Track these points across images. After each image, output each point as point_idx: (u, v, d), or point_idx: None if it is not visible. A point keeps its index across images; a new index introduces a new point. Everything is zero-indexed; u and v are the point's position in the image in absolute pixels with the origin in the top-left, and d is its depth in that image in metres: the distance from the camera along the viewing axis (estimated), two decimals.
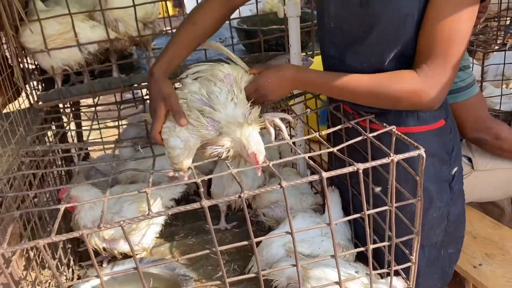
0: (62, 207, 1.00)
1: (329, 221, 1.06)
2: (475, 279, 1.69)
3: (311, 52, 1.86)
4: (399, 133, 1.13)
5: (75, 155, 2.00)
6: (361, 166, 1.01)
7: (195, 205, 0.97)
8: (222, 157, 1.17)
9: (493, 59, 2.93)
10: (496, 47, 2.80)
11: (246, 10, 2.15)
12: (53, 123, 1.94)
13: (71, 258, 1.68)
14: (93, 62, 1.69)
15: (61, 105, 1.89)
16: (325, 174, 0.99)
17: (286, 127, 1.31)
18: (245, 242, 1.05)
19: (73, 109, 2.06)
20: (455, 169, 1.37)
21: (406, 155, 1.03)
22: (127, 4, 1.59)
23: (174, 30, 2.21)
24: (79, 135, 2.34)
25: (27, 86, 1.63)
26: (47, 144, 1.50)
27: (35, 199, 1.53)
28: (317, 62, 2.76)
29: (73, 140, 2.36)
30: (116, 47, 1.73)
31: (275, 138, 1.30)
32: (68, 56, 1.60)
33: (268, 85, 1.22)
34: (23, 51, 1.61)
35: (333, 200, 1.56)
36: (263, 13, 2.05)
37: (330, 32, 1.30)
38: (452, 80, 1.16)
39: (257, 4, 1.81)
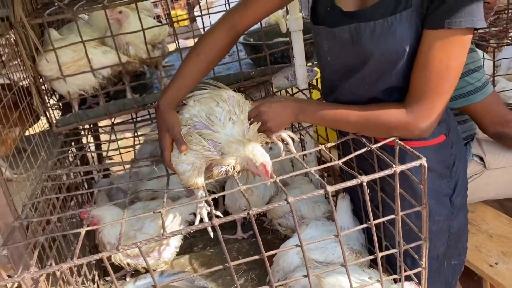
0: (83, 231, 1.06)
1: (337, 231, 1.09)
2: (491, 278, 1.70)
3: (316, 62, 1.89)
4: (401, 143, 1.17)
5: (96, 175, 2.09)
6: (364, 179, 1.04)
7: (206, 224, 1.02)
8: (229, 174, 1.22)
9: (505, 53, 2.91)
10: (508, 41, 2.79)
11: None
12: (72, 144, 2.03)
13: (96, 273, 1.76)
14: (107, 85, 1.76)
15: (81, 127, 1.97)
16: (330, 188, 1.03)
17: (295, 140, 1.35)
18: (256, 257, 1.10)
19: (92, 130, 2.14)
20: (457, 183, 1.37)
21: (408, 165, 1.06)
22: (137, 28, 1.66)
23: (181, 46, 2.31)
24: (99, 154, 2.43)
25: (46, 112, 1.71)
26: (68, 167, 1.57)
27: (59, 221, 1.60)
28: None
29: (93, 159, 2.45)
30: (128, 69, 1.80)
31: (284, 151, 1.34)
32: (83, 82, 1.68)
33: (269, 110, 1.26)
34: (41, 79, 1.69)
35: (344, 206, 1.59)
36: (268, 25, 2.09)
37: (328, 64, 1.34)
38: (441, 112, 1.18)
39: None
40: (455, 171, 1.35)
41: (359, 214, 1.60)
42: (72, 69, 1.65)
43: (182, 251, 1.87)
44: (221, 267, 1.12)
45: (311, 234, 1.59)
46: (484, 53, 2.53)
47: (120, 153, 2.32)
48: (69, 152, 1.75)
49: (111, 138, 1.90)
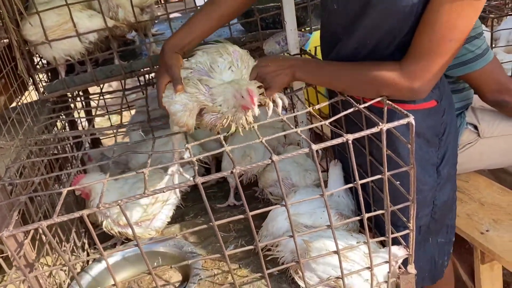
0: (64, 190, 1.05)
1: (322, 192, 1.08)
2: (482, 245, 1.69)
3: (309, 28, 1.85)
4: (389, 102, 1.14)
5: (86, 143, 2.07)
6: (350, 137, 1.02)
7: (189, 183, 1.01)
8: (220, 125, 1.21)
9: (504, 24, 2.86)
10: (508, 11, 2.74)
11: None
12: (62, 112, 2.00)
13: (85, 242, 1.75)
14: (94, 51, 1.73)
15: (70, 95, 1.94)
16: (315, 147, 1.01)
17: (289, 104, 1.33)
18: (241, 216, 1.09)
19: (82, 98, 2.11)
20: (446, 153, 1.33)
21: (395, 123, 1.04)
22: None
23: (172, 16, 2.26)
24: (89, 121, 2.40)
25: (32, 78, 1.68)
26: (54, 133, 1.54)
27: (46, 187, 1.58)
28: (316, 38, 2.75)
29: (83, 128, 2.43)
30: (116, 33, 1.76)
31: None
32: (69, 47, 1.65)
33: (267, 69, 1.24)
34: (26, 44, 1.66)
35: (335, 173, 1.58)
36: None
37: (333, 13, 1.29)
38: (438, 76, 1.14)
39: None
40: (445, 140, 1.32)
41: (350, 182, 1.58)
42: (57, 33, 1.61)
43: (173, 221, 1.85)
44: (204, 226, 1.10)
45: (301, 199, 1.57)
46: (483, 26, 2.49)
47: (111, 124, 2.29)
48: (58, 118, 1.72)
49: (99, 108, 1.87)
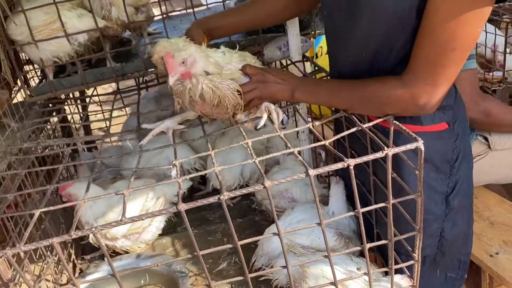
0: (37, 212, 0.96)
1: (319, 219, 0.98)
2: (491, 269, 1.59)
3: (312, 32, 1.74)
4: (396, 122, 1.04)
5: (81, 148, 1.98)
6: (351, 162, 0.92)
7: (171, 210, 0.91)
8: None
9: None
10: None
11: None
12: (52, 115, 1.91)
13: (72, 252, 1.67)
14: (85, 52, 1.63)
15: (63, 96, 1.85)
16: (312, 172, 0.92)
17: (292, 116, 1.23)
18: (229, 246, 1.00)
19: (73, 100, 2.02)
20: (458, 181, 1.21)
21: (402, 148, 0.94)
22: None
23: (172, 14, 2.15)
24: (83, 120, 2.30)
25: (18, 79, 1.58)
26: (40, 139, 1.45)
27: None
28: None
29: (76, 129, 2.34)
30: (108, 34, 1.67)
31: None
32: (57, 48, 1.55)
33: (270, 77, 1.16)
34: (12, 44, 1.56)
35: (337, 192, 1.48)
36: None
37: (326, 20, 1.20)
38: (445, 89, 1.02)
39: None
40: (457, 167, 1.20)
41: (352, 200, 1.49)
42: (44, 33, 1.51)
43: (164, 231, 1.77)
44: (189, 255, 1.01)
45: (299, 217, 1.48)
46: (496, 29, 2.37)
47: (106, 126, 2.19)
48: (44, 124, 1.63)
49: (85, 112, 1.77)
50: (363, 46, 1.10)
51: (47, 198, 1.06)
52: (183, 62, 1.06)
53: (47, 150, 1.56)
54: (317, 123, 1.17)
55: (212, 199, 0.92)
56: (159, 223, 1.65)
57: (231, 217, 1.88)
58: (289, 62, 1.62)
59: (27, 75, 1.77)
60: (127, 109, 2.32)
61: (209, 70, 1.10)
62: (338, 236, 1.41)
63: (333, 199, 1.47)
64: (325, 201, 1.64)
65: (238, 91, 1.15)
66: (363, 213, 1.41)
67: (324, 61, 1.97)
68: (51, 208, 0.96)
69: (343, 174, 1.51)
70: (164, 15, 1.75)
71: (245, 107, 1.21)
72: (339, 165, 0.93)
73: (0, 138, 1.39)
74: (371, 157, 0.94)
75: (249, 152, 1.04)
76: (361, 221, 1.02)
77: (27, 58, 1.77)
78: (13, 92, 1.68)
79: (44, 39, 1.51)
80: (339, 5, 1.12)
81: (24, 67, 1.83)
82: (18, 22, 1.47)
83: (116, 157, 2.01)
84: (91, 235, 1.55)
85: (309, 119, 1.84)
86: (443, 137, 1.16)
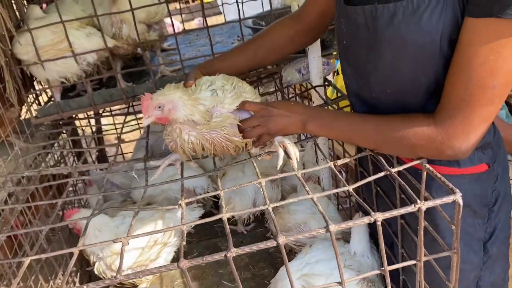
0: (27, 260, 0.87)
1: (340, 279, 0.86)
2: None
3: (335, 53, 1.63)
4: (430, 167, 0.92)
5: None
6: (379, 217, 0.81)
7: (172, 267, 0.81)
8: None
9: None
10: None
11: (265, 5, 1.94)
12: (64, 134, 1.85)
13: (76, 281, 1.59)
14: (94, 73, 1.55)
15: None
16: (333, 228, 0.80)
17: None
18: None
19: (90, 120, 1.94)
20: (496, 226, 1.08)
21: (438, 201, 0.82)
22: (134, 4, 1.43)
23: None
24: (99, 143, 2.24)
25: (24, 100, 1.51)
26: (41, 167, 1.38)
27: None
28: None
29: (87, 145, 2.26)
30: (119, 53, 1.58)
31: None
32: (64, 68, 1.47)
33: (274, 110, 1.05)
34: (19, 63, 1.49)
35: (360, 230, 1.35)
36: (282, 7, 1.83)
37: (344, 50, 1.09)
38: (483, 130, 0.90)
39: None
40: (496, 211, 1.06)
41: (376, 237, 1.37)
42: (51, 53, 1.44)
43: (174, 260, 1.67)
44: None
45: (318, 257, 1.36)
46: None
47: (119, 144, 2.12)
48: (50, 149, 1.55)
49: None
50: (387, 82, 0.98)
51: (42, 237, 0.97)
52: (160, 107, 1.00)
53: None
54: (339, 162, 1.05)
55: (217, 256, 0.81)
56: (167, 254, 1.55)
57: (243, 246, 1.79)
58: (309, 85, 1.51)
59: (37, 93, 1.70)
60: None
61: (195, 119, 1.01)
62: (361, 281, 1.28)
63: (355, 237, 1.35)
64: (344, 237, 1.52)
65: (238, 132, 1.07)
66: (387, 255, 1.31)
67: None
68: (43, 255, 0.86)
69: (366, 210, 1.39)
70: (178, 33, 1.65)
71: (255, 143, 1.11)
72: (365, 220, 0.81)
73: (1, 164, 1.31)
74: (401, 211, 0.82)
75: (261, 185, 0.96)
76: (388, 279, 0.89)
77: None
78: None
79: (50, 59, 1.44)
80: (357, 37, 1.00)
81: (35, 84, 1.77)
82: (24, 42, 1.40)
83: (125, 177, 1.94)
84: (97, 265, 1.47)
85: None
86: (482, 179, 1.02)
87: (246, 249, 0.83)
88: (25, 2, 1.76)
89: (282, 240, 0.82)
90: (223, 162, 1.70)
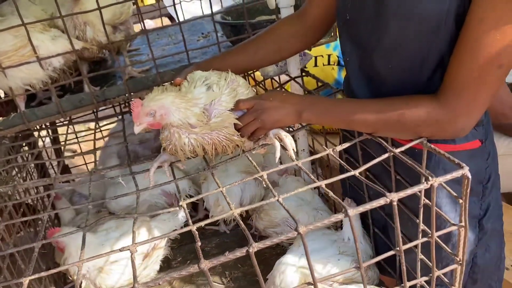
0: (26, 281, 0.80)
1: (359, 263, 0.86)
2: (507, 282, 1.52)
3: None
4: (432, 146, 0.94)
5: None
6: (394, 197, 0.81)
7: (193, 269, 0.77)
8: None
9: None
10: None
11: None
12: (24, 147, 1.73)
13: None
14: (60, 78, 1.46)
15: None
16: (352, 212, 0.79)
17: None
18: None
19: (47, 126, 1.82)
20: (490, 203, 1.11)
21: (448, 176, 0.84)
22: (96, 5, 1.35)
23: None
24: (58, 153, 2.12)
25: None
26: (16, 181, 1.28)
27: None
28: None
29: (48, 156, 2.14)
30: (83, 56, 1.50)
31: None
32: (29, 75, 1.37)
33: (267, 103, 1.03)
34: None
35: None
36: (249, 1, 1.81)
37: (347, 25, 1.09)
38: (485, 108, 0.93)
39: None
40: (489, 188, 1.10)
41: (365, 222, 1.38)
42: (14, 59, 1.33)
43: (162, 269, 1.61)
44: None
45: (312, 247, 1.35)
46: None
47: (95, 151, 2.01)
48: (14, 163, 1.45)
49: (68, 134, 1.60)
50: (390, 56, 0.99)
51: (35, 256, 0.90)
52: (151, 113, 0.97)
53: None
54: (337, 148, 1.05)
55: (239, 253, 0.78)
56: (156, 264, 1.48)
57: (228, 247, 1.78)
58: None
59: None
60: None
61: (191, 122, 0.98)
62: (357, 265, 1.29)
63: (347, 223, 1.36)
64: (334, 224, 1.53)
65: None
66: (382, 237, 1.33)
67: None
68: (44, 273, 0.80)
69: (353, 194, 1.40)
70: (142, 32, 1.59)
71: (249, 138, 1.09)
72: (381, 202, 0.81)
73: None
74: (415, 189, 0.83)
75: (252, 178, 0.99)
76: (403, 261, 0.91)
77: None
78: None
79: (12, 66, 1.33)
80: (362, 10, 1.01)
81: None
82: None
83: (98, 188, 1.85)
84: (84, 284, 1.38)
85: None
86: (476, 155, 1.06)
87: (268, 242, 0.81)
88: None
89: (303, 230, 0.80)
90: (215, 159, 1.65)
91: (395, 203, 0.81)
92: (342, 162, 1.00)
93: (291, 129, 1.41)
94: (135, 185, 1.11)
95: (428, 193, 1.05)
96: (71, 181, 1.96)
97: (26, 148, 1.80)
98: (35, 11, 1.47)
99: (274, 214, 1.55)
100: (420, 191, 0.86)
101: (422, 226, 1.01)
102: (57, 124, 1.90)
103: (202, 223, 0.91)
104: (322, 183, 0.92)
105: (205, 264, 0.77)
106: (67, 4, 1.43)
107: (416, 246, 0.98)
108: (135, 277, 0.77)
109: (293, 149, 1.07)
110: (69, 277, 1.40)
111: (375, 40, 1.00)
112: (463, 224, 0.89)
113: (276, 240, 0.81)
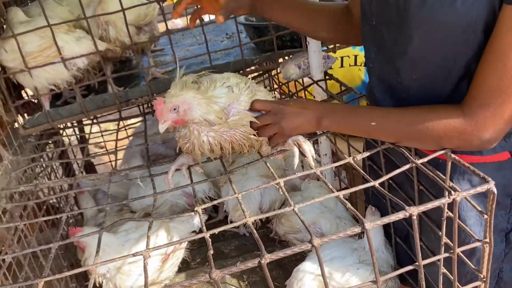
0: (41, 282, 0.80)
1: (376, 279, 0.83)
2: None
3: (332, 46, 1.60)
4: (456, 157, 0.90)
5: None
6: (414, 211, 0.78)
7: (203, 278, 0.76)
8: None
9: None
10: None
11: None
12: (50, 147, 1.76)
13: None
14: (84, 78, 1.48)
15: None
16: (369, 225, 0.77)
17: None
18: None
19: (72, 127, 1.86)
20: None
21: (472, 191, 0.80)
22: (122, 6, 1.36)
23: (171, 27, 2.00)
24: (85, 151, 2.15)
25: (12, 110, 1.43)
26: (38, 181, 1.30)
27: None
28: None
29: (74, 154, 2.17)
30: (107, 56, 1.52)
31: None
32: (54, 75, 1.40)
33: (287, 108, 1.01)
34: (4, 71, 1.41)
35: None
36: None
37: (371, 31, 1.05)
38: (511, 120, 0.88)
39: None
40: None
41: (387, 231, 1.35)
42: (39, 60, 1.36)
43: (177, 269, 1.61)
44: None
45: (332, 255, 1.33)
46: None
47: (102, 153, 2.04)
48: (39, 161, 1.47)
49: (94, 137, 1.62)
50: (414, 67, 0.96)
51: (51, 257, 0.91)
52: (175, 109, 0.95)
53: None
54: (358, 157, 1.02)
55: (250, 264, 0.77)
56: (175, 266, 1.48)
57: (247, 250, 1.76)
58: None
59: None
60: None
61: (210, 119, 0.97)
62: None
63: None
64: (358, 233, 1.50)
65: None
66: (403, 247, 1.30)
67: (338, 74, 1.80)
68: (58, 276, 0.80)
69: (377, 203, 1.37)
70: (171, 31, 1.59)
71: (268, 144, 1.07)
72: (400, 215, 0.78)
73: None
74: (435, 203, 0.80)
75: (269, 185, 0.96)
76: (422, 276, 0.87)
77: None
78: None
79: (38, 66, 1.36)
80: (386, 17, 0.97)
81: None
82: (9, 48, 1.32)
83: (121, 186, 1.87)
84: (104, 285, 1.39)
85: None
86: (504, 168, 1.01)
87: (280, 254, 0.79)
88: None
89: (317, 242, 0.78)
90: (232, 164, 1.64)
91: (414, 217, 0.78)
92: (363, 172, 0.97)
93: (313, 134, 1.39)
94: (153, 187, 1.11)
95: (451, 206, 1.02)
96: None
97: (52, 146, 1.84)
98: (61, 12, 1.50)
99: (295, 220, 1.53)
100: (443, 204, 0.82)
101: (445, 239, 0.98)
102: (83, 123, 1.94)
103: (216, 230, 0.90)
104: (340, 194, 0.89)
105: (216, 274, 0.75)
106: (93, 4, 1.44)
107: (438, 260, 0.94)
108: (146, 283, 0.77)
109: (312, 156, 1.05)
110: (90, 275, 1.41)
111: (399, 49, 0.96)
112: (487, 240, 0.86)
113: (290, 252, 0.79)
